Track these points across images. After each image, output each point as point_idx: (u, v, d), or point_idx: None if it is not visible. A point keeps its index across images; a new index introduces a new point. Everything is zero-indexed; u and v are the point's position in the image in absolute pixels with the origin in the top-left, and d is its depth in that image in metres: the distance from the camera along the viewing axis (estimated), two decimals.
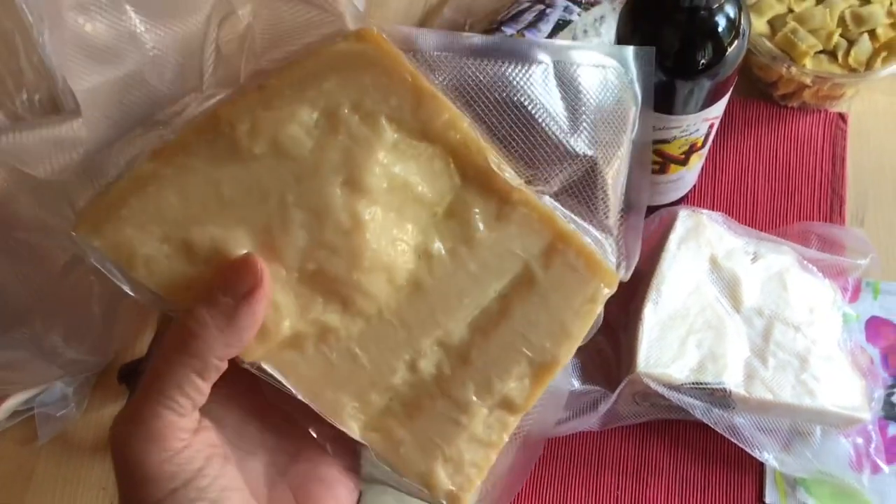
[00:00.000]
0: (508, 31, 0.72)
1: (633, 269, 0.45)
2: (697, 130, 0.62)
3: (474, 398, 0.41)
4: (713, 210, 0.68)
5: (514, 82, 0.40)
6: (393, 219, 0.40)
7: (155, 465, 0.35)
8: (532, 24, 0.73)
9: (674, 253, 0.64)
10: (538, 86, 0.40)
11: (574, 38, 0.72)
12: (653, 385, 0.61)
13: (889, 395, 0.67)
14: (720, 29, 0.55)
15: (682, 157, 0.64)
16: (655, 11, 0.56)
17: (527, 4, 0.75)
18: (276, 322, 0.39)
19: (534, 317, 0.42)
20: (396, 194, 0.40)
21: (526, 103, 0.40)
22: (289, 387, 0.40)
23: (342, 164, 0.38)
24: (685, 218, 0.66)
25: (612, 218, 0.44)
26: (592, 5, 0.74)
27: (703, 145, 0.64)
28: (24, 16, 0.74)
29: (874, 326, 0.69)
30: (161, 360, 0.36)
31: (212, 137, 0.38)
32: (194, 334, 0.36)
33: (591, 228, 0.43)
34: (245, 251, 0.38)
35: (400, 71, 0.38)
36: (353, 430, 0.41)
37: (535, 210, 0.41)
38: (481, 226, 0.41)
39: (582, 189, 0.43)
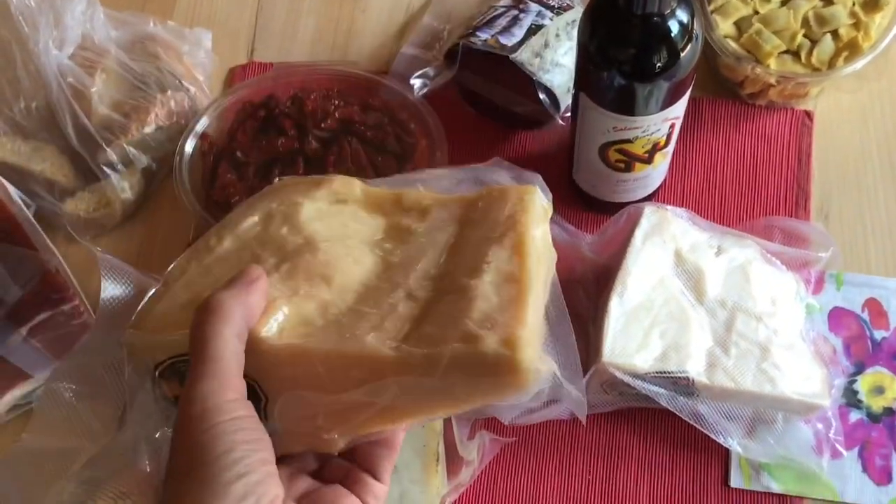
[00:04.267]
0: (483, 35, 0.75)
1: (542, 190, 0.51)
2: (659, 130, 0.64)
3: (469, 280, 0.44)
4: (682, 206, 0.71)
5: None
6: (341, 237, 0.49)
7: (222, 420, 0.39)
8: (506, 29, 0.75)
9: (639, 248, 0.67)
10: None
11: (546, 42, 0.74)
12: (618, 374, 0.63)
13: (850, 382, 0.69)
14: (673, 33, 0.58)
15: (646, 155, 0.67)
16: (612, 18, 0.59)
17: (501, 10, 0.78)
18: (275, 307, 0.44)
19: (485, 228, 0.48)
20: (337, 229, 0.50)
21: None
22: (310, 348, 0.43)
23: (283, 221, 0.50)
24: (650, 214, 0.68)
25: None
26: (564, 10, 0.77)
27: (667, 144, 0.67)
28: (21, 27, 0.77)
29: (837, 317, 0.72)
30: (193, 333, 0.42)
31: (194, 254, 0.50)
32: (218, 304, 0.42)
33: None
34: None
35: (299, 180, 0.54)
36: (382, 348, 0.42)
37: (449, 198, 0.52)
38: (412, 223, 0.50)
39: None
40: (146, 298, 0.48)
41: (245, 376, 0.41)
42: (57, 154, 0.78)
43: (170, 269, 0.50)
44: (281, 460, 0.42)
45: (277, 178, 0.54)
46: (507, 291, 0.43)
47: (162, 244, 0.80)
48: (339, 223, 0.50)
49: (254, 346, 0.42)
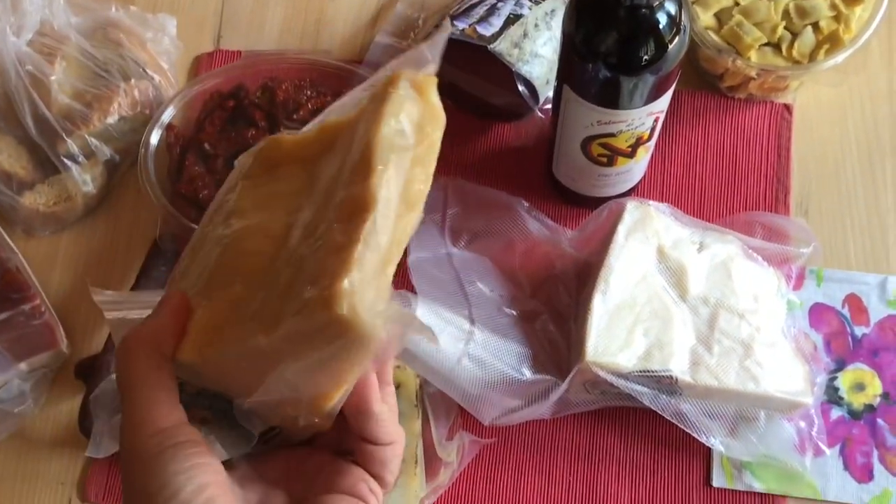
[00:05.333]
0: (460, 25, 0.73)
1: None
2: (643, 124, 0.63)
3: (317, 228, 0.38)
4: (662, 201, 0.70)
5: None
6: (260, 209, 0.43)
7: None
8: (483, 19, 0.73)
9: (622, 244, 0.66)
10: None
11: (525, 32, 0.73)
12: (601, 373, 0.62)
13: (831, 379, 0.69)
14: (661, 25, 0.56)
15: (629, 150, 0.65)
16: (599, 9, 0.57)
17: None
18: (194, 319, 0.41)
19: (357, 135, 0.39)
20: (263, 199, 0.43)
21: None
22: (218, 355, 0.40)
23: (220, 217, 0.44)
24: (633, 209, 0.67)
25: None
26: None
27: (650, 138, 0.66)
28: None
29: (817, 313, 0.71)
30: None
31: None
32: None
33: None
34: None
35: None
36: (260, 339, 0.37)
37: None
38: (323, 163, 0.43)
39: None
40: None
41: (206, 388, 0.41)
42: (14, 145, 0.75)
43: (172, 275, 0.45)
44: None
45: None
46: (340, 232, 0.36)
47: (125, 240, 0.77)
48: (267, 193, 0.43)
49: (185, 365, 0.40)
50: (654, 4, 0.55)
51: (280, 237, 0.40)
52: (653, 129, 0.65)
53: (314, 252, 0.37)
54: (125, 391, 0.39)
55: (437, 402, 0.66)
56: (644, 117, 0.62)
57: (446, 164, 0.76)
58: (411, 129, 0.39)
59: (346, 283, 0.34)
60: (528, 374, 0.65)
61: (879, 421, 0.68)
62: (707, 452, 0.67)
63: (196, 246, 0.44)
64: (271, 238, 0.40)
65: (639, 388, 0.63)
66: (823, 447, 0.66)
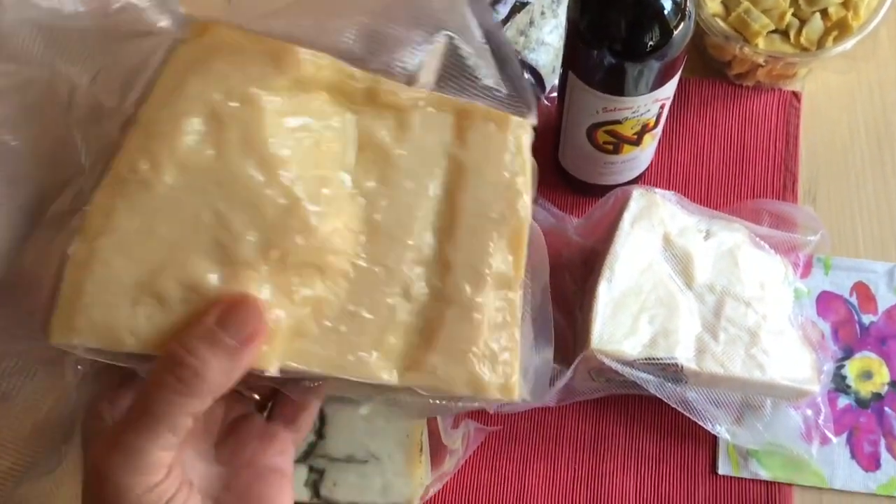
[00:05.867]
0: None
1: (535, 110, 0.46)
2: (649, 111, 0.63)
3: (473, 293, 0.43)
4: (668, 189, 0.69)
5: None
6: (317, 176, 0.40)
7: (136, 497, 0.36)
8: (490, 6, 0.73)
9: (627, 231, 0.65)
10: None
11: (531, 20, 0.73)
12: (607, 361, 0.62)
13: (839, 367, 0.69)
14: (666, 11, 0.56)
15: (635, 137, 0.65)
16: None
17: None
18: (274, 319, 0.39)
19: (479, 194, 0.43)
20: (308, 152, 0.40)
21: (369, 19, 0.42)
22: (315, 373, 0.41)
23: (247, 150, 0.39)
24: (639, 197, 0.67)
25: (494, 77, 0.45)
26: None
27: (656, 125, 0.65)
28: None
29: (825, 301, 0.71)
30: (155, 395, 0.36)
31: (122, 190, 0.37)
32: (197, 373, 0.35)
33: (481, 94, 0.45)
34: (216, 279, 0.38)
35: (243, 43, 0.39)
36: (391, 378, 0.41)
37: (428, 103, 0.43)
38: (393, 144, 0.42)
39: (455, 68, 0.44)
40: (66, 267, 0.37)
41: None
42: None
43: (86, 209, 0.38)
44: None
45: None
46: (505, 317, 0.44)
47: None
48: (308, 139, 0.41)
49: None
50: None
51: (358, 228, 0.42)
52: (658, 117, 0.64)
53: (463, 312, 0.42)
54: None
55: None
56: (650, 104, 0.62)
57: None
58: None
59: (518, 374, 0.43)
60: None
61: (887, 409, 0.67)
62: (713, 440, 0.67)
63: (193, 162, 0.38)
64: (342, 226, 0.41)
65: (644, 375, 0.62)
66: (830, 435, 0.66)
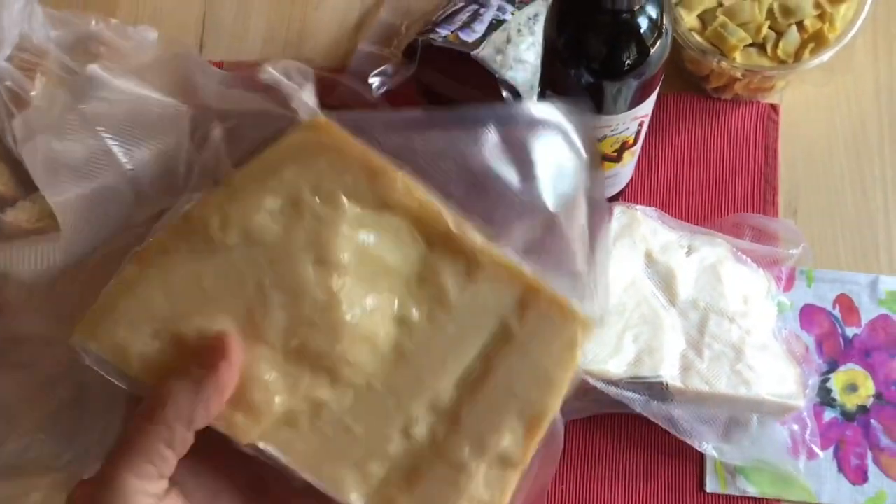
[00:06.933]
0: (443, 32, 0.73)
1: (605, 309, 0.46)
2: (627, 129, 0.62)
3: (470, 458, 0.42)
4: (649, 204, 0.69)
5: (464, 149, 0.42)
6: (367, 290, 0.42)
7: None
8: (466, 25, 0.73)
9: (609, 249, 0.65)
10: (486, 150, 0.43)
11: (508, 38, 0.72)
12: (592, 381, 0.62)
13: (824, 381, 0.69)
14: (643, 30, 0.56)
15: (615, 154, 0.65)
16: (579, 14, 0.56)
17: (461, 5, 0.75)
18: (267, 401, 0.40)
19: (516, 370, 0.43)
20: (367, 266, 0.42)
21: (477, 168, 0.42)
22: (288, 464, 0.41)
23: (311, 243, 0.41)
24: (620, 214, 0.66)
25: (580, 265, 0.45)
26: (526, 3, 0.75)
27: (635, 142, 0.65)
28: None
29: (808, 314, 0.71)
30: (132, 427, 0.38)
31: (188, 236, 0.40)
32: (163, 402, 0.38)
33: (559, 278, 0.44)
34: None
35: (351, 150, 0.41)
36: (357, 503, 0.41)
37: (503, 266, 0.43)
38: (453, 288, 0.43)
39: (545, 243, 0.45)
40: (110, 284, 0.41)
41: None
42: None
43: (148, 241, 0.42)
44: None
45: (319, 110, 0.43)
46: (493, 494, 0.43)
47: None
48: (373, 255, 0.42)
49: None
50: (635, 9, 0.54)
51: (386, 352, 0.42)
52: (638, 133, 0.64)
53: (451, 473, 0.42)
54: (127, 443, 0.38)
55: None
56: (628, 122, 0.61)
57: None
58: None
59: None
60: None
61: (873, 422, 0.67)
62: (700, 458, 0.66)
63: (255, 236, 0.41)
64: (375, 346, 0.42)
65: (630, 394, 0.62)
66: (817, 450, 0.66)
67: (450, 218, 0.43)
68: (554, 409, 0.43)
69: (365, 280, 0.42)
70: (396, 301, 0.43)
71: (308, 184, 0.41)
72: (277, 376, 0.41)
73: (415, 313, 0.43)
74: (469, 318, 0.43)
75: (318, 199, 0.41)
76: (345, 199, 0.41)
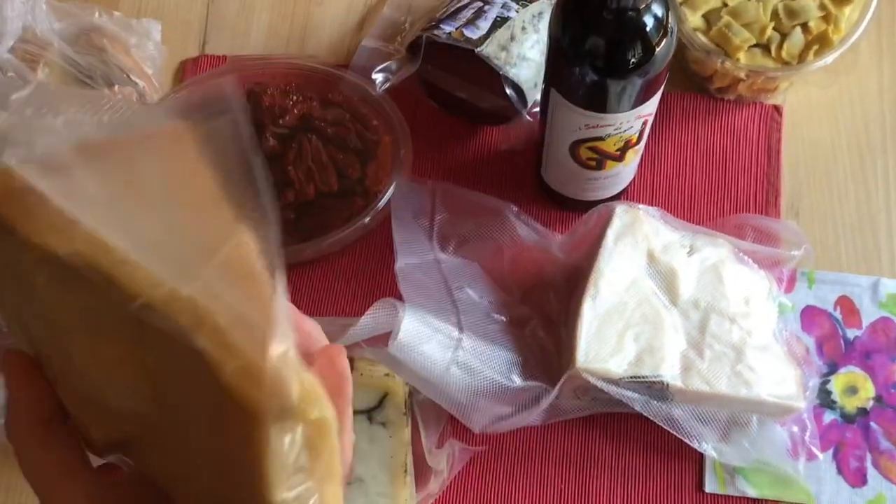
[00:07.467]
0: (447, 28, 0.72)
1: None
2: (631, 128, 0.62)
3: None
4: (651, 204, 0.69)
5: None
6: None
7: None
8: (470, 22, 0.73)
9: (611, 248, 0.65)
10: None
11: (512, 35, 0.72)
12: (592, 380, 0.61)
13: (824, 383, 0.68)
14: (648, 28, 0.56)
15: (618, 153, 0.65)
16: (585, 12, 0.56)
17: (465, 1, 0.75)
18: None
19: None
20: None
21: None
22: None
23: None
24: (622, 213, 0.66)
25: None
26: (530, 1, 0.74)
27: (639, 141, 0.65)
28: None
29: (809, 316, 0.71)
30: None
31: None
32: None
33: None
34: None
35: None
36: None
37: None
38: None
39: None
40: None
41: None
42: None
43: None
44: None
45: None
46: None
47: None
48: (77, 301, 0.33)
49: None
50: (641, 7, 0.54)
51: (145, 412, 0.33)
52: (641, 133, 0.64)
53: None
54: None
55: (426, 411, 0.65)
56: (632, 120, 0.61)
57: (434, 169, 0.76)
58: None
59: None
60: (517, 380, 0.64)
61: (872, 424, 0.67)
62: (699, 458, 0.66)
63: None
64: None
65: (630, 394, 0.62)
66: (816, 451, 0.66)
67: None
68: None
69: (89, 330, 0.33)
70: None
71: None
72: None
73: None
74: None
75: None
76: None
